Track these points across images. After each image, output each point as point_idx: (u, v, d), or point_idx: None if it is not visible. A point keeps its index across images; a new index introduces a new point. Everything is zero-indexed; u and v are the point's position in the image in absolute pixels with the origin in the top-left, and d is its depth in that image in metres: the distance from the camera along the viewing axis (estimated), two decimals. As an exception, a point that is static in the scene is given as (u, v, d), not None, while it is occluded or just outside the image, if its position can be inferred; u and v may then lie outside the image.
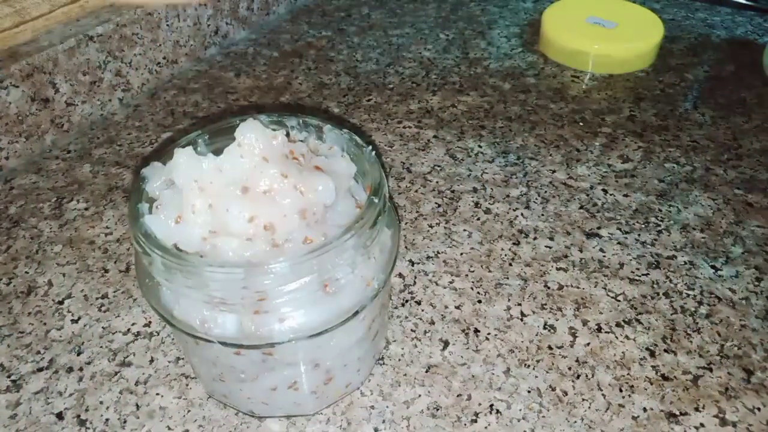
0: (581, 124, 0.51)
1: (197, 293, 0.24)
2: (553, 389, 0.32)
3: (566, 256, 0.39)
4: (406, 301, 0.36)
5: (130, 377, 0.33)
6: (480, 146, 0.49)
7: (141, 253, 0.25)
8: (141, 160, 0.48)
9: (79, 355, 0.34)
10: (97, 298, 0.37)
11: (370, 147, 0.29)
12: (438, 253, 0.40)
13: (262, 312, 0.25)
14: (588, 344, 0.34)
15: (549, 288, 0.37)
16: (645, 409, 0.31)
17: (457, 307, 0.36)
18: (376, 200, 0.26)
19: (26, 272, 0.39)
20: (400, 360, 0.33)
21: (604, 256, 0.39)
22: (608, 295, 0.37)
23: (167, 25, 0.56)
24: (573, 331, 0.35)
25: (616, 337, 0.34)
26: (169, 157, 0.27)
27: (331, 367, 0.29)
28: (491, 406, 0.31)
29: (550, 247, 0.40)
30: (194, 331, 0.25)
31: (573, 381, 0.32)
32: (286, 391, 0.28)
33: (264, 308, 0.25)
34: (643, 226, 0.41)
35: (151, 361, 0.33)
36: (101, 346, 0.34)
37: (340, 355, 0.28)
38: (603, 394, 0.31)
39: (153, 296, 0.26)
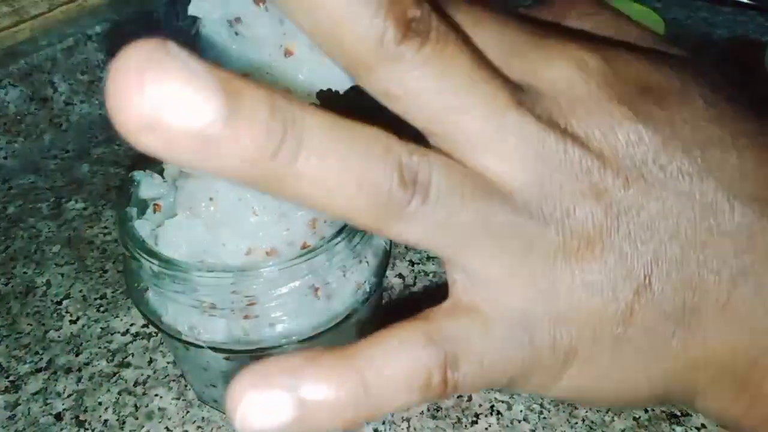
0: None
1: (186, 298, 0.24)
2: (554, 390, 0.31)
3: (567, 256, 0.39)
4: (407, 301, 0.36)
5: (129, 378, 0.32)
6: (480, 146, 0.49)
7: (129, 257, 0.25)
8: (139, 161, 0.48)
9: (77, 355, 0.34)
10: (95, 299, 0.37)
11: None
12: (438, 253, 0.39)
13: (252, 317, 0.24)
14: (589, 345, 0.34)
15: (550, 288, 0.37)
16: (646, 410, 0.30)
17: (458, 308, 0.36)
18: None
19: (25, 272, 0.39)
20: (400, 361, 0.33)
21: (606, 256, 0.39)
22: (609, 296, 0.36)
23: (166, 23, 0.56)
24: (574, 331, 0.34)
25: (618, 338, 0.34)
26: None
27: None
28: (492, 407, 0.31)
29: (550, 247, 0.40)
30: (184, 337, 0.25)
31: (574, 382, 0.32)
32: None
33: (254, 313, 0.24)
34: (644, 226, 0.41)
35: (150, 361, 0.33)
36: (100, 347, 0.34)
37: None
38: (604, 395, 0.31)
39: (142, 301, 0.26)
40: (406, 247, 0.40)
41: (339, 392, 0.13)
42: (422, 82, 0.12)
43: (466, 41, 0.13)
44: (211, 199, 0.24)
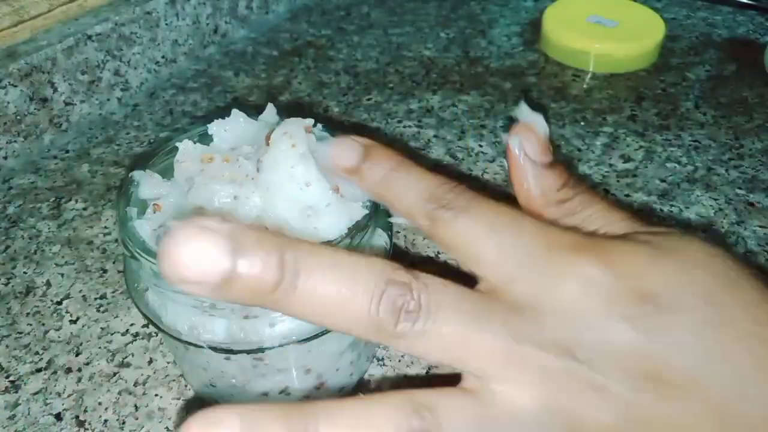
0: (582, 123, 0.51)
1: (186, 298, 0.24)
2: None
3: (567, 256, 0.39)
4: (406, 301, 0.36)
5: (129, 378, 0.32)
6: (480, 146, 0.49)
7: (129, 257, 0.25)
8: (139, 161, 0.48)
9: (77, 355, 0.34)
10: (95, 299, 0.37)
11: None
12: (438, 253, 0.39)
13: (251, 317, 0.25)
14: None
15: (550, 288, 0.37)
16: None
17: (458, 308, 0.36)
18: (369, 203, 0.26)
19: (24, 272, 0.39)
20: (400, 361, 0.33)
21: (605, 256, 0.39)
22: (609, 296, 0.36)
23: (166, 24, 0.56)
24: (574, 331, 0.34)
25: (618, 338, 0.34)
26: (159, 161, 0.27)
27: (322, 372, 0.28)
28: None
29: (550, 247, 0.40)
30: (183, 337, 0.25)
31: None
32: (277, 396, 0.28)
33: (254, 313, 0.24)
34: (644, 226, 0.41)
35: (150, 361, 0.33)
36: (100, 347, 0.34)
37: (331, 359, 0.28)
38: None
39: (142, 301, 0.26)
40: (406, 247, 0.40)
41: None
42: (426, 345, 0.15)
43: (461, 296, 0.16)
44: (234, 198, 0.24)
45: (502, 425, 0.15)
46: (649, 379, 0.15)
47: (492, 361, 0.15)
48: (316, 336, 0.25)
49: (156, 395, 0.32)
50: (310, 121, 0.27)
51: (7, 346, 0.34)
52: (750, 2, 0.66)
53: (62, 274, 0.38)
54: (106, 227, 0.42)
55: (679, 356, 0.15)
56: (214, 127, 0.28)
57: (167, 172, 0.28)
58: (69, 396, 0.32)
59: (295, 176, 0.25)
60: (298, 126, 0.25)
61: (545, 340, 0.15)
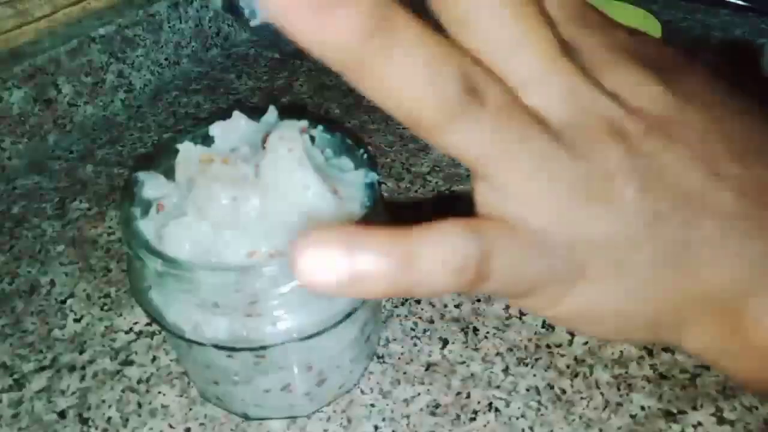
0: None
1: (190, 297, 0.24)
2: (552, 387, 0.32)
3: (565, 256, 0.39)
4: (406, 300, 0.37)
5: (132, 376, 0.33)
6: (480, 147, 0.49)
7: (133, 257, 0.25)
8: (142, 161, 0.48)
9: (81, 354, 0.34)
10: (99, 298, 0.37)
11: (362, 150, 0.29)
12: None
13: (254, 315, 0.25)
14: (586, 343, 0.34)
15: (548, 288, 0.37)
16: (643, 408, 0.31)
17: (456, 306, 0.36)
18: (368, 203, 0.26)
19: (29, 272, 0.39)
20: (399, 358, 0.33)
21: (603, 256, 0.39)
22: (607, 295, 0.37)
23: (169, 26, 0.56)
24: (571, 329, 0.35)
25: (615, 337, 0.34)
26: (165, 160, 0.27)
27: (323, 369, 0.29)
28: (490, 404, 0.31)
29: (549, 247, 0.40)
30: (187, 335, 0.26)
31: (571, 379, 0.32)
32: (279, 393, 0.29)
33: (256, 311, 0.25)
34: (641, 226, 0.42)
35: (153, 359, 0.34)
36: (103, 345, 0.35)
37: (332, 357, 0.29)
38: (601, 393, 0.32)
39: (146, 300, 0.27)
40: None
41: (387, 263, 0.14)
42: (502, 32, 0.15)
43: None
44: (233, 199, 0.25)
45: (530, 124, 0.15)
46: (665, 125, 0.16)
47: (535, 68, 0.15)
48: (317, 334, 0.26)
49: (159, 393, 0.32)
50: (305, 122, 0.27)
51: (11, 345, 0.35)
52: (747, 5, 0.67)
53: (66, 274, 0.39)
54: (110, 227, 0.42)
55: (694, 111, 0.16)
56: (216, 129, 0.29)
57: (170, 173, 0.28)
58: (73, 394, 0.32)
59: (293, 180, 0.25)
60: (293, 129, 0.26)
61: (582, 67, 0.16)
